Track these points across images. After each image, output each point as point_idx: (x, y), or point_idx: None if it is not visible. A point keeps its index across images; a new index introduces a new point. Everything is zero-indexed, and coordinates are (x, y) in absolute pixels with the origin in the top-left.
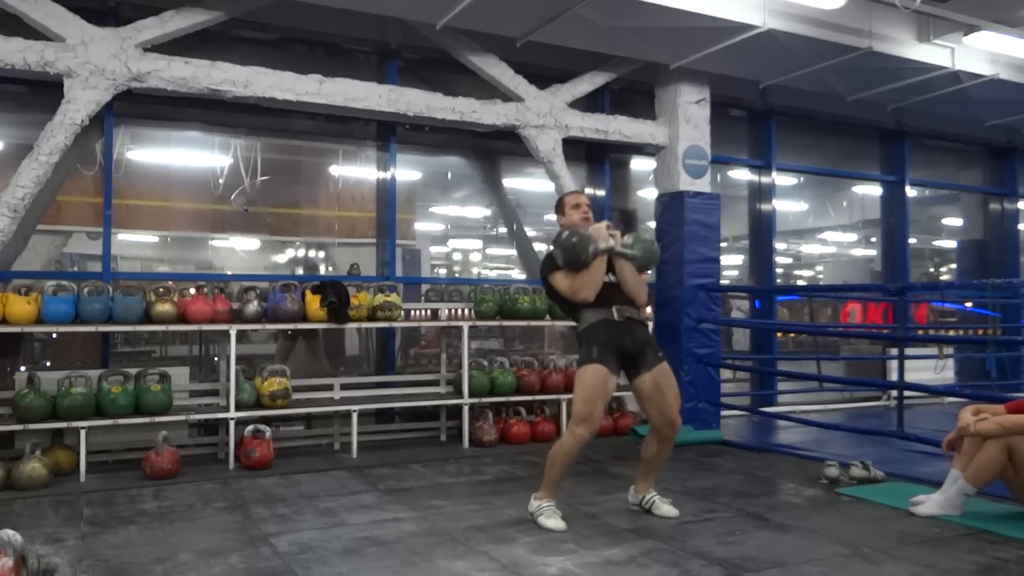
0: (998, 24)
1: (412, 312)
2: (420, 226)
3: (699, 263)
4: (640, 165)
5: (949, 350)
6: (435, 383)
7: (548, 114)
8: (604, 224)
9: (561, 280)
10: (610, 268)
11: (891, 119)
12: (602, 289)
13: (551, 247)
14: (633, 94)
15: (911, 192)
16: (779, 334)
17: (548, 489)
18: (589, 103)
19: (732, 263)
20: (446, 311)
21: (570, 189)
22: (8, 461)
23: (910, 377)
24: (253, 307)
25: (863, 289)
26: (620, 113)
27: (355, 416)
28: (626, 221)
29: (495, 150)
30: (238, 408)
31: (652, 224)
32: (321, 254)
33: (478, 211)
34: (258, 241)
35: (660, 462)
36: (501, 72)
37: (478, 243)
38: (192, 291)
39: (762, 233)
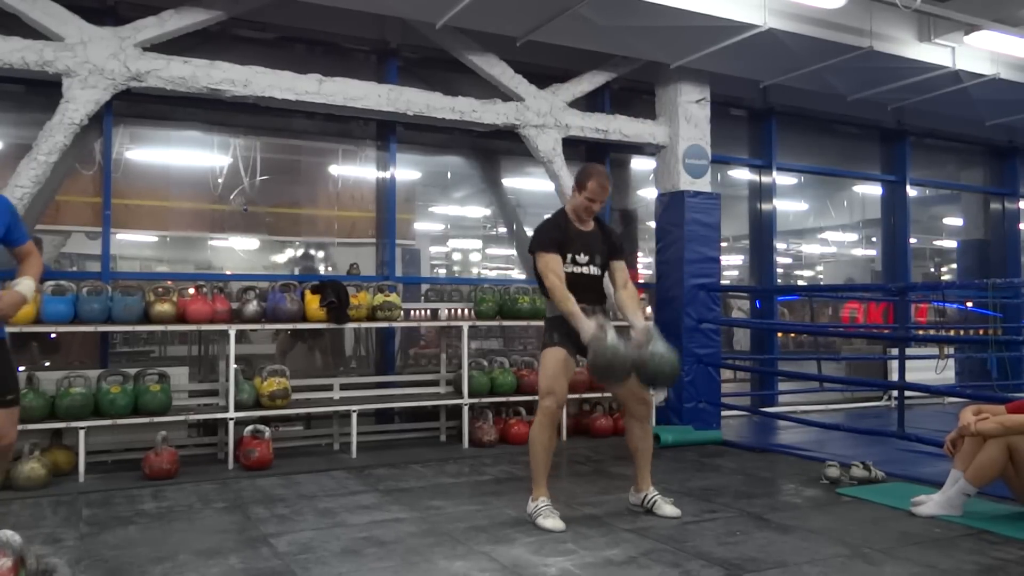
0: (999, 23)
1: (412, 312)
2: (420, 226)
3: (699, 263)
4: (640, 165)
5: (950, 350)
6: (435, 383)
7: (548, 113)
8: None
9: (544, 264)
10: (593, 261)
11: (891, 119)
12: (576, 280)
13: (544, 222)
14: (633, 94)
15: (912, 192)
16: (779, 334)
17: (539, 485)
18: (589, 103)
19: (732, 263)
20: (446, 311)
21: (568, 186)
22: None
23: (911, 377)
24: (252, 307)
25: (864, 289)
26: (620, 113)
27: (355, 416)
28: (626, 221)
29: (495, 150)
30: (237, 408)
31: (652, 224)
32: (321, 254)
33: (478, 211)
34: (257, 241)
35: (647, 449)
36: (501, 71)
37: (478, 243)
38: (191, 291)
39: (762, 233)
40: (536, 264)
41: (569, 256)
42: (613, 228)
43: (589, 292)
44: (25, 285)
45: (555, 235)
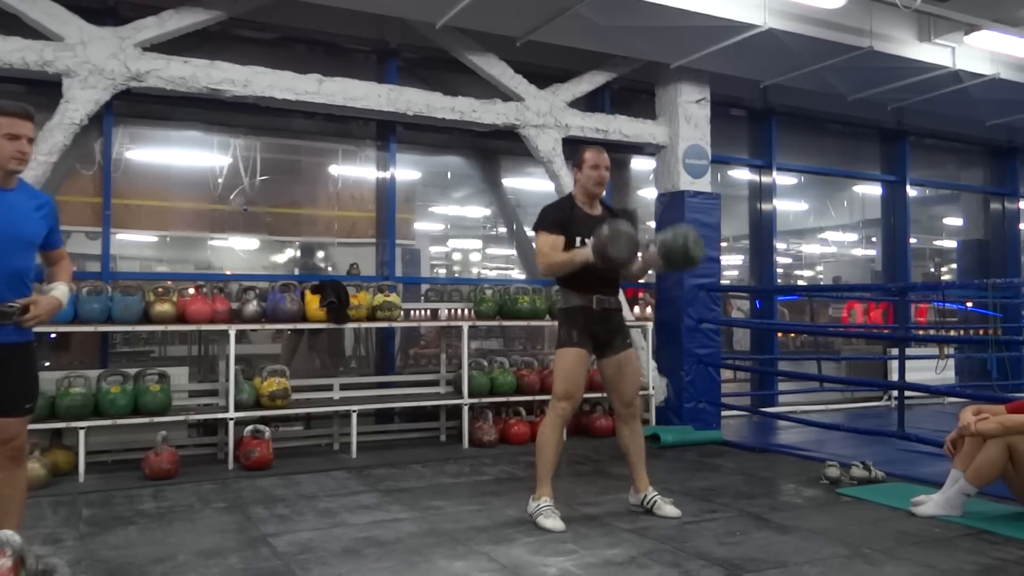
0: (998, 23)
1: (412, 312)
2: (420, 226)
3: None
4: (640, 165)
5: (950, 350)
6: (435, 383)
7: (548, 113)
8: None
9: (544, 242)
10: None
11: (892, 118)
12: (587, 276)
13: (550, 204)
14: (633, 94)
15: (912, 192)
16: (779, 334)
17: (543, 485)
18: (589, 103)
19: (732, 263)
20: (446, 311)
21: (566, 186)
22: None
23: (911, 377)
24: (252, 307)
25: (864, 289)
26: (620, 113)
27: (355, 416)
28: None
29: (495, 150)
30: (237, 408)
31: (652, 224)
32: (321, 254)
33: (478, 211)
34: (257, 241)
35: (639, 449)
36: (501, 71)
37: (478, 243)
38: (191, 291)
39: (762, 233)
40: (537, 243)
41: (578, 240)
42: (621, 210)
43: (602, 284)
44: (61, 290)
45: (560, 215)
